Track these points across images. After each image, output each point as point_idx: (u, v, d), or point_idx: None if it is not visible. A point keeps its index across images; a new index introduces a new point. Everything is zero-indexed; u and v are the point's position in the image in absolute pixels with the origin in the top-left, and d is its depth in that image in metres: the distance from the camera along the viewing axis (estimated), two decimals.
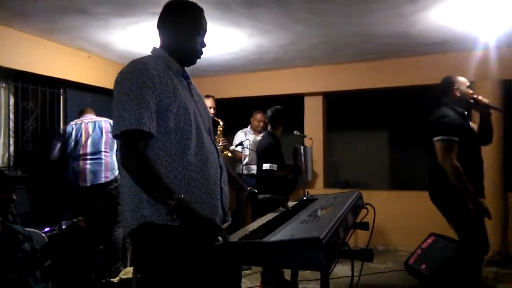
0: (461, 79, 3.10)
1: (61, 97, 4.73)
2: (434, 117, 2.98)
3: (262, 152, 3.70)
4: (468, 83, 3.10)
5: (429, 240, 4.16)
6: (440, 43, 4.45)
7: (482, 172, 2.98)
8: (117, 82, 1.47)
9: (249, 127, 5.19)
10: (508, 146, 4.72)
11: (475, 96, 3.04)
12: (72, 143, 3.74)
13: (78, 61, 4.62)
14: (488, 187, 4.68)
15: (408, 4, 3.35)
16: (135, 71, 1.44)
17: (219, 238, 1.25)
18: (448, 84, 3.10)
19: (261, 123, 5.04)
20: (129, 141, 1.40)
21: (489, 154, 4.71)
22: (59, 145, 3.80)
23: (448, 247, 3.84)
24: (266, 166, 3.58)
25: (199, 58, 1.68)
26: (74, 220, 2.10)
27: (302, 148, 4.10)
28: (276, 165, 3.59)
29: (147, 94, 1.41)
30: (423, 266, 3.85)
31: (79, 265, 3.47)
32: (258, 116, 5.08)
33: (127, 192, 1.47)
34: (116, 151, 3.42)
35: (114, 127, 1.44)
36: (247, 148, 4.83)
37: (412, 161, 6.91)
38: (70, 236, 2.04)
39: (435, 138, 2.87)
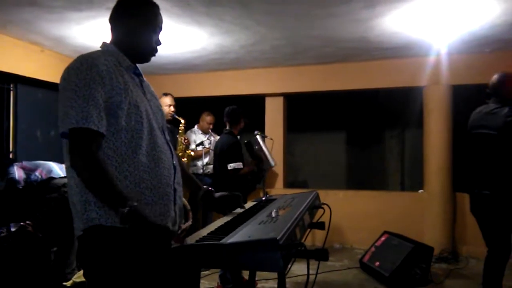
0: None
1: (11, 92, 4.50)
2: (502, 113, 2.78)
3: (224, 152, 3.70)
4: None
5: (383, 238, 4.32)
6: (395, 48, 4.63)
7: None
8: (64, 78, 1.39)
9: (196, 126, 5.18)
10: (456, 148, 4.97)
11: None
12: None
13: (31, 55, 4.43)
14: (437, 187, 4.98)
15: (365, 10, 3.46)
16: (83, 66, 1.37)
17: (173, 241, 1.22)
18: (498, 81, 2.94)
19: (211, 125, 5.05)
20: (79, 141, 1.32)
21: (438, 155, 4.97)
22: None
23: (400, 244, 4.00)
24: (232, 165, 3.59)
25: (154, 56, 1.62)
26: (22, 224, 1.99)
27: (254, 139, 4.13)
28: (241, 163, 3.62)
29: (96, 90, 1.34)
30: (377, 263, 3.99)
31: (35, 269, 3.32)
32: (208, 118, 5.08)
33: (73, 193, 1.41)
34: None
35: (59, 125, 1.35)
36: (207, 147, 4.82)
37: (368, 162, 7.14)
38: (19, 241, 1.94)
39: None
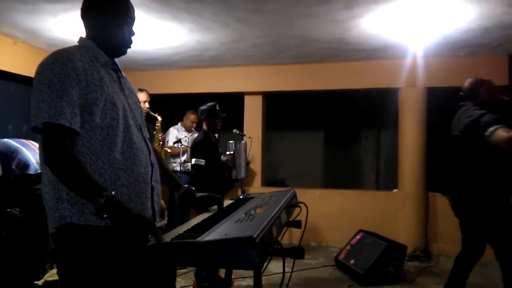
0: (488, 80, 3.06)
1: None
2: (471, 118, 2.85)
3: (191, 148, 3.71)
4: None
5: (358, 237, 4.39)
6: (372, 50, 4.70)
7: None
8: (38, 73, 1.36)
9: (179, 124, 5.18)
10: (429, 148, 5.09)
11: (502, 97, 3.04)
12: None
13: (3, 48, 4.28)
14: (410, 186, 5.10)
15: (343, 11, 3.49)
16: (57, 62, 1.35)
17: (150, 237, 1.22)
18: (475, 86, 3.03)
19: (194, 124, 5.05)
20: (52, 136, 1.30)
21: (412, 155, 5.08)
22: None
23: (374, 243, 4.07)
24: (193, 161, 3.56)
25: (129, 47, 1.59)
26: (8, 209, 1.92)
27: (233, 144, 4.09)
28: (203, 160, 3.52)
29: (70, 86, 1.32)
30: (352, 261, 4.06)
31: (19, 263, 3.24)
32: (192, 116, 5.10)
33: (46, 190, 1.38)
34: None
35: (31, 119, 1.33)
36: (184, 144, 4.79)
37: (345, 161, 7.24)
38: (2, 228, 1.87)
39: (490, 129, 2.69)
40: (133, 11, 1.58)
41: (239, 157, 4.16)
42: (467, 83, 3.07)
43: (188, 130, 5.14)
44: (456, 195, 3.00)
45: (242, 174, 4.20)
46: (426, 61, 4.90)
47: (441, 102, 5.06)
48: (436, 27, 3.87)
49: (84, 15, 1.54)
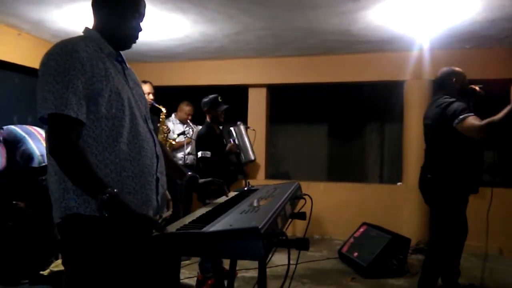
0: (459, 70, 3.13)
1: None
2: (441, 106, 2.94)
3: (196, 141, 3.71)
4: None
5: (361, 229, 4.39)
6: (378, 42, 4.66)
7: (480, 164, 3.03)
8: (43, 63, 1.36)
9: (173, 115, 5.07)
10: None
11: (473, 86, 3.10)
12: None
13: (7, 39, 4.28)
14: (415, 180, 5.02)
15: (350, 2, 3.46)
16: (62, 52, 1.34)
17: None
18: (447, 75, 3.12)
19: (189, 116, 4.98)
20: (58, 127, 1.30)
21: (417, 148, 5.04)
22: None
23: (378, 235, 4.07)
24: (199, 154, 3.57)
25: (134, 42, 1.59)
26: (14, 202, 1.95)
27: (233, 129, 4.07)
28: (209, 152, 3.54)
29: (76, 77, 1.32)
30: (356, 254, 4.06)
31: (27, 254, 3.27)
32: (187, 108, 4.96)
33: (53, 181, 1.39)
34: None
35: (38, 110, 1.33)
36: (189, 137, 4.78)
37: (349, 154, 7.23)
38: (8, 219, 1.89)
39: (460, 117, 2.77)
40: (144, 6, 1.56)
41: (241, 140, 4.12)
42: (439, 72, 3.17)
43: (183, 122, 5.03)
44: (424, 182, 3.13)
45: (251, 156, 4.12)
46: (432, 53, 4.85)
47: None
48: (442, 19, 3.83)
49: (95, 5, 1.53)
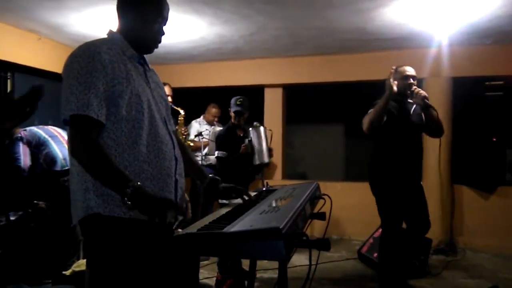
0: (400, 69, 3.28)
1: (9, 81, 4.47)
2: None
3: (215, 141, 3.77)
4: (405, 74, 3.25)
5: (381, 230, 4.31)
6: (395, 40, 4.60)
7: (407, 159, 3.37)
8: (66, 65, 1.39)
9: (201, 117, 5.19)
10: (456, 140, 4.96)
11: (413, 88, 3.22)
12: None
13: (27, 43, 4.38)
14: (435, 179, 4.99)
15: (366, 0, 3.42)
16: (85, 54, 1.37)
17: (177, 226, 1.23)
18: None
19: (216, 118, 5.05)
20: (79, 128, 1.33)
21: (437, 147, 4.96)
22: None
23: None
24: (216, 153, 3.63)
25: (157, 47, 1.60)
26: (35, 202, 1.99)
27: (250, 131, 4.06)
28: (225, 153, 3.60)
29: (97, 79, 1.34)
30: (375, 255, 4.01)
31: (48, 254, 3.33)
32: (213, 110, 5.09)
33: (74, 181, 1.42)
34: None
35: (61, 112, 1.36)
36: (206, 138, 4.81)
37: (366, 154, 7.13)
38: (31, 220, 1.93)
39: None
40: (167, 11, 1.57)
41: (257, 142, 4.09)
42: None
43: (210, 123, 5.13)
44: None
45: (265, 158, 4.08)
46: (451, 50, 4.76)
47: (466, 92, 4.92)
48: (461, 14, 3.75)
49: (121, 8, 1.55)
